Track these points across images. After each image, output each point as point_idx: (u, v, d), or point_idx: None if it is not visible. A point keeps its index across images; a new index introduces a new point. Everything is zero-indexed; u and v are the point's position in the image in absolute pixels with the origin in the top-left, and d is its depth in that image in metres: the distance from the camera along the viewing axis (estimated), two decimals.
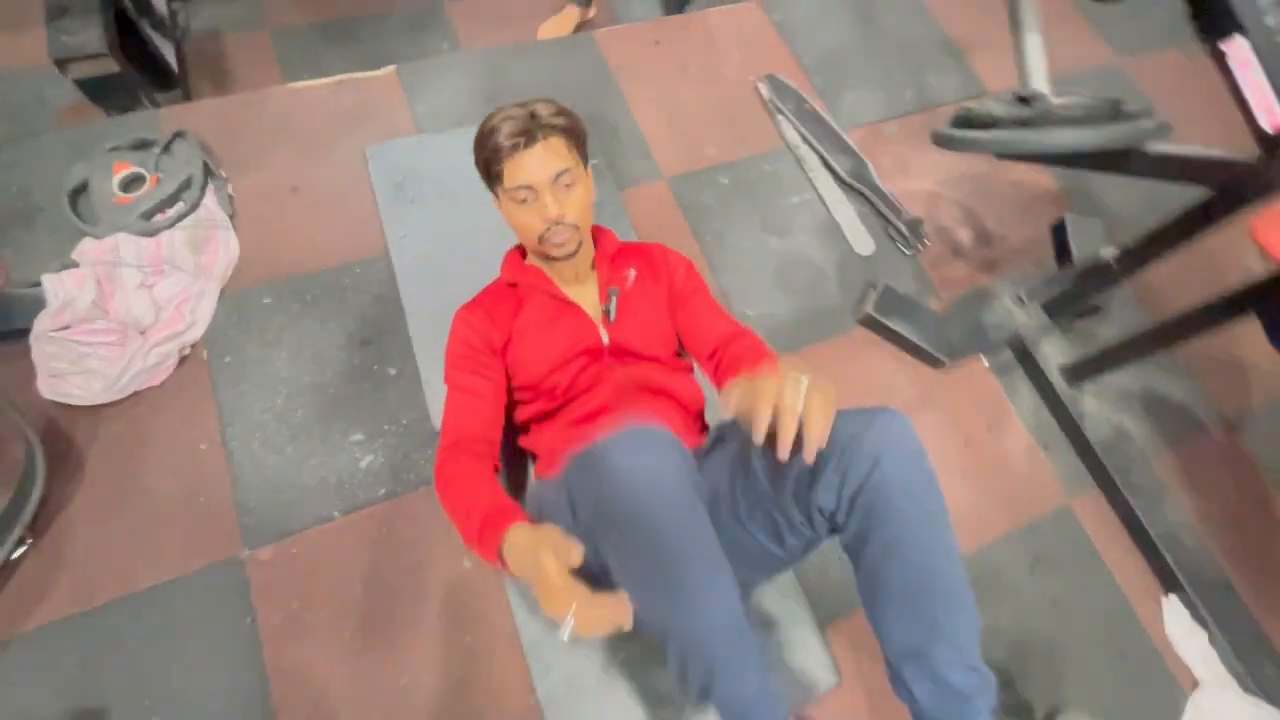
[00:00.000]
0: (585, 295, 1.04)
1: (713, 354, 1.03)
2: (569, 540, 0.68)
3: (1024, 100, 1.18)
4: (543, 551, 0.67)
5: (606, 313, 1.02)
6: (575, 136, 0.95)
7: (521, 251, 1.09)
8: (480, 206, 1.38)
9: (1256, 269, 1.23)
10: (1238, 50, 0.92)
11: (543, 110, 0.92)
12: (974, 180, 1.66)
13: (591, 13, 1.93)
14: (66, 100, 1.56)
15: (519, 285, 1.04)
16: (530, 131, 0.90)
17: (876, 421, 0.71)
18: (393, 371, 1.25)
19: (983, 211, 1.62)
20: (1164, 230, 1.11)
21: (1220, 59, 0.95)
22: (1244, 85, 0.93)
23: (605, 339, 1.01)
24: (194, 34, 1.78)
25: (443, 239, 1.35)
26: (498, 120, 0.91)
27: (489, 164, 0.94)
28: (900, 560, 0.71)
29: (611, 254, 1.07)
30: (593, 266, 1.06)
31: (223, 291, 1.27)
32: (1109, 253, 1.23)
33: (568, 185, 0.93)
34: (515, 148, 0.90)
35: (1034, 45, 1.19)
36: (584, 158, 0.98)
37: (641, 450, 0.69)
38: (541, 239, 0.95)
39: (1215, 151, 1.02)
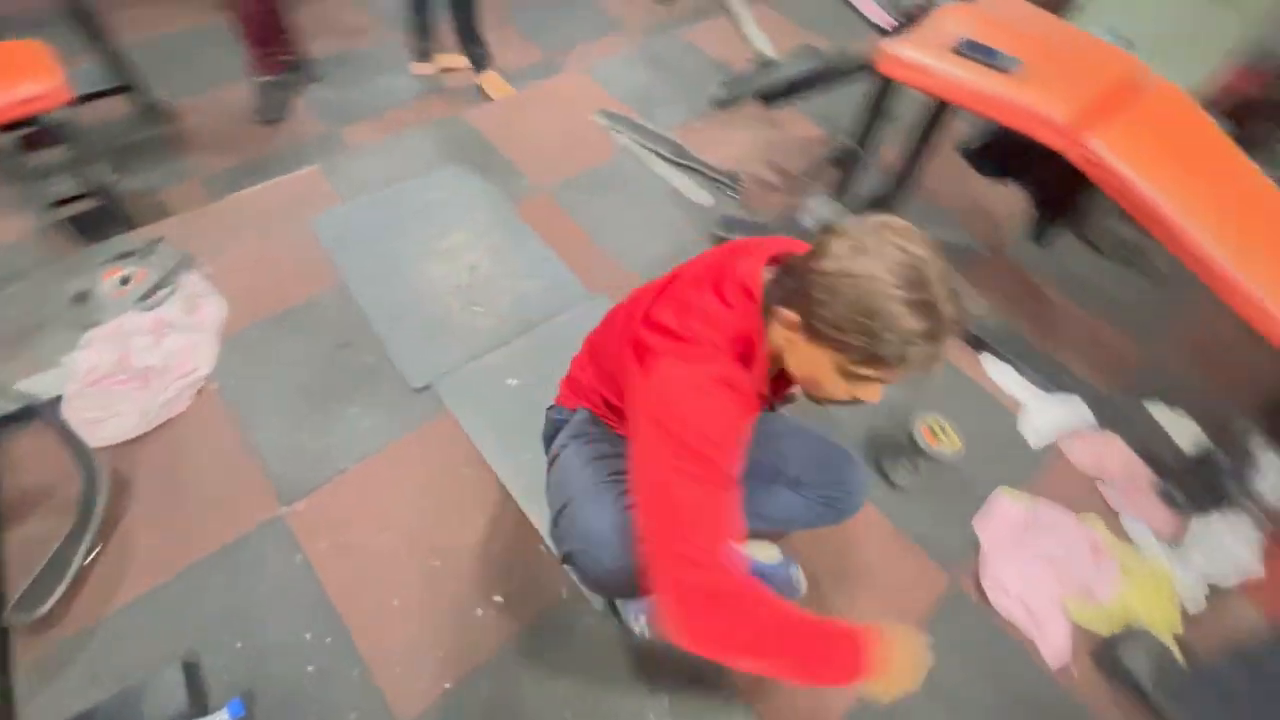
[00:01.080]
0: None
1: None
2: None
3: (761, 62, 1.78)
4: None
5: (772, 405, 1.06)
6: None
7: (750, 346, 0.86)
8: (400, 235, 1.83)
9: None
10: None
11: (956, 325, 0.72)
12: (766, 143, 2.25)
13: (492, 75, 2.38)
14: (31, 260, 1.87)
15: (762, 397, 0.90)
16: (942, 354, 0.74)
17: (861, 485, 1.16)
18: (370, 360, 1.57)
19: (779, 160, 2.20)
20: (863, 112, 1.67)
21: None
22: (860, 6, 1.52)
23: None
24: (137, 192, 2.15)
25: (382, 264, 1.74)
26: (938, 327, 0.70)
27: (879, 349, 0.71)
28: None
29: None
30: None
31: (221, 338, 1.57)
32: (850, 140, 1.78)
33: None
34: (927, 361, 0.73)
35: (751, 29, 1.80)
36: None
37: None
38: (823, 398, 0.85)
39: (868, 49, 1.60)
